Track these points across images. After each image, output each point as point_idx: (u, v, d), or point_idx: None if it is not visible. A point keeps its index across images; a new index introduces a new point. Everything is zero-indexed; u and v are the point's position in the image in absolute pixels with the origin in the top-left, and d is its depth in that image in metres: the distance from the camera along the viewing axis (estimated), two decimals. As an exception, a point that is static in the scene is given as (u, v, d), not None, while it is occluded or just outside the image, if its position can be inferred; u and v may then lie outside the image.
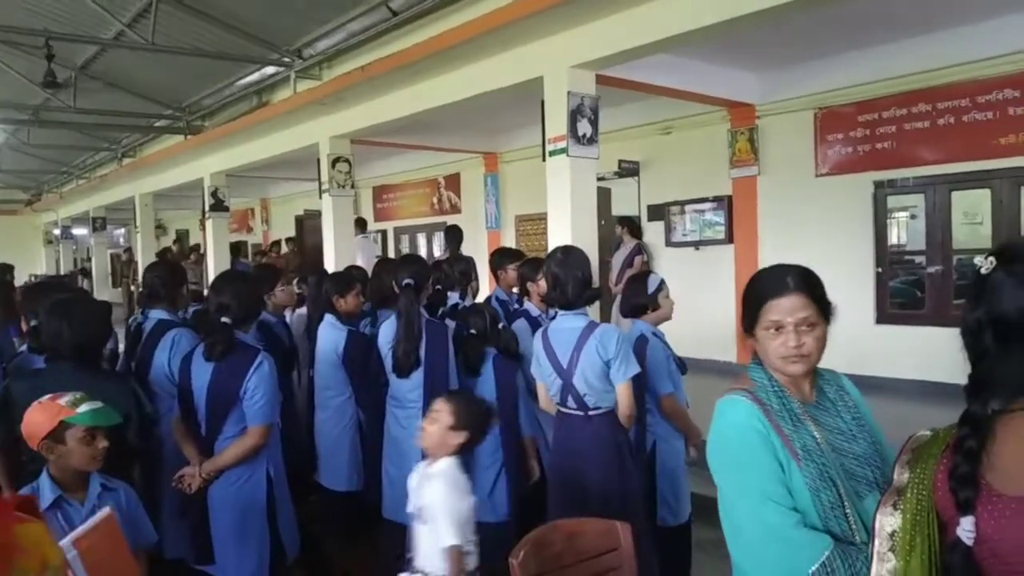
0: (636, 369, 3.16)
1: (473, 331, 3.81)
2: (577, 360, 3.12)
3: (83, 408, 2.22)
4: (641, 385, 3.37)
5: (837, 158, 7.50)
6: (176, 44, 8.68)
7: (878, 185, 7.29)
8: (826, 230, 7.51)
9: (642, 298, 3.66)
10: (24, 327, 3.69)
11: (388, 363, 3.75)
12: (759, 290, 1.82)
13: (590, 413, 3.16)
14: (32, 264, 22.95)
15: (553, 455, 3.40)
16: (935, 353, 6.21)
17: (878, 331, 7.17)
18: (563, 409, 3.25)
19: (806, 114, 7.67)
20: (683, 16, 5.09)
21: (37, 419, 2.22)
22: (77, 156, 17.25)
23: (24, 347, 3.59)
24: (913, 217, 8.39)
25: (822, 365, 1.84)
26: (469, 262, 4.87)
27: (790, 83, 7.65)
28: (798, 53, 7.15)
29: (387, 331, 3.81)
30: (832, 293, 1.84)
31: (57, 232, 20.94)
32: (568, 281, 3.19)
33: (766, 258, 7.98)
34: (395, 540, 3.77)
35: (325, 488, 4.18)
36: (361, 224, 10.84)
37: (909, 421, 1.76)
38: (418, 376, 3.67)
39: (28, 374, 3.00)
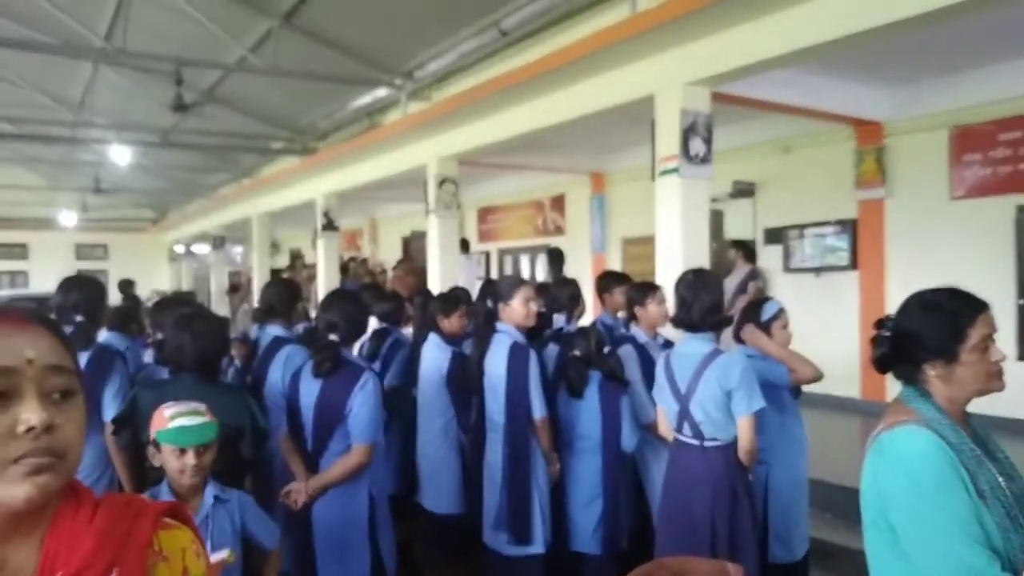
0: (760, 403, 2.98)
1: (577, 353, 3.69)
2: (696, 387, 3.02)
3: (175, 423, 2.25)
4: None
5: (975, 180, 6.94)
6: (294, 68, 9.03)
7: (1021, 209, 6.68)
8: (962, 257, 6.94)
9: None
10: (151, 340, 3.83)
11: (492, 389, 3.66)
12: (966, 305, 1.71)
13: (705, 444, 3.04)
14: (155, 280, 24.46)
15: (665, 484, 3.27)
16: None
17: (1020, 368, 6.54)
18: (679, 437, 3.14)
19: (939, 132, 7.14)
20: (805, 30, 4.83)
21: (151, 426, 2.29)
22: (200, 177, 18.30)
23: (151, 359, 3.72)
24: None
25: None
26: (575, 285, 4.72)
27: (921, 99, 7.16)
28: (930, 67, 6.68)
29: (492, 356, 3.72)
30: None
31: (180, 250, 22.24)
32: (695, 303, 3.10)
33: (894, 287, 7.46)
34: (495, 568, 3.67)
35: (426, 510, 4.12)
36: (464, 245, 10.92)
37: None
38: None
39: (154, 384, 3.09)
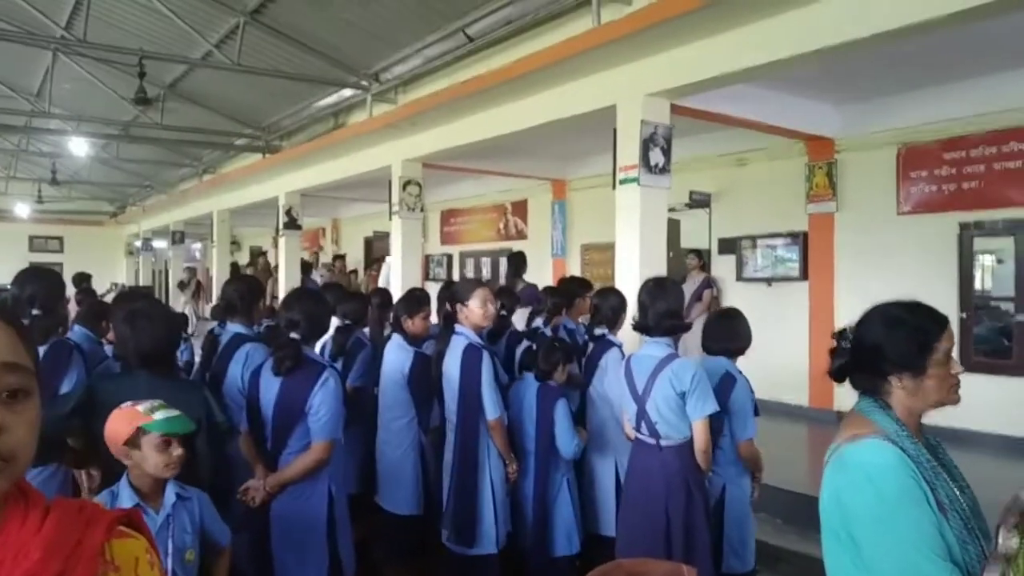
0: (713, 407, 3.16)
1: (555, 344, 3.97)
2: (651, 388, 3.17)
3: (159, 415, 2.25)
4: (716, 424, 3.30)
5: (921, 196, 7.22)
6: (260, 65, 9.00)
7: (964, 226, 6.97)
8: (907, 271, 7.21)
9: (741, 341, 3.62)
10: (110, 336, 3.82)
11: (451, 391, 3.74)
12: (932, 319, 1.76)
13: (661, 443, 3.19)
14: (112, 274, 23.95)
15: (625, 483, 3.45)
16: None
17: (964, 380, 6.81)
18: (638, 436, 3.30)
19: (888, 150, 7.42)
20: (762, 47, 5.01)
21: (117, 425, 2.27)
22: (161, 171, 18.03)
23: (111, 354, 3.71)
24: (1000, 261, 7.99)
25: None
26: (533, 289, 4.81)
27: (872, 117, 7.42)
28: (880, 86, 6.94)
29: (452, 357, 3.79)
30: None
31: (138, 244, 21.85)
32: (651, 309, 3.26)
33: (842, 297, 7.72)
34: (451, 568, 3.75)
35: (385, 510, 4.17)
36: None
37: (995, 478, 1.67)
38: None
39: (109, 377, 3.09)
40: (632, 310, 3.63)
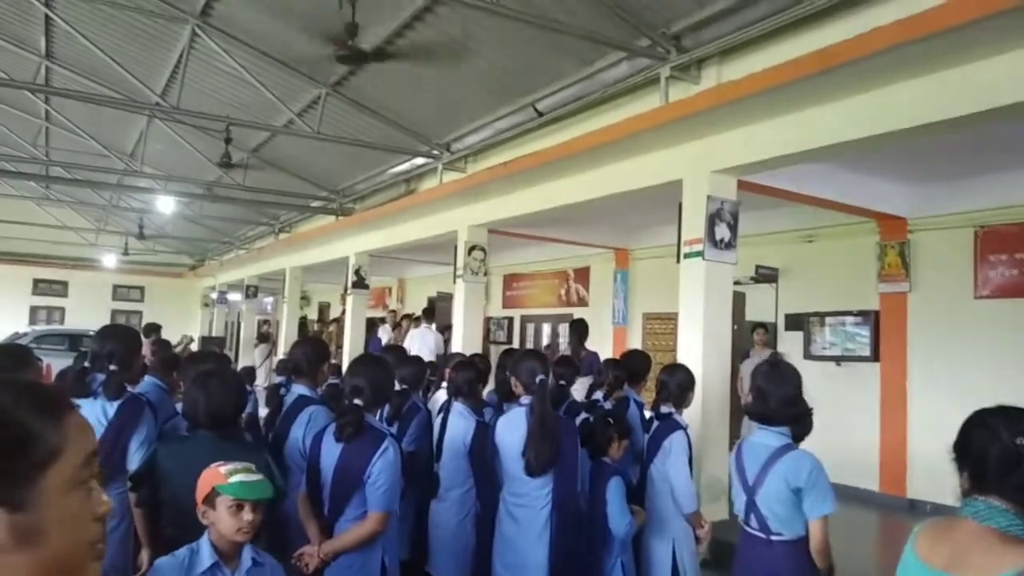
0: (831, 508, 2.89)
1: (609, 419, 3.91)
2: (763, 480, 2.94)
3: (235, 479, 2.29)
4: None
5: (1001, 280, 6.96)
6: (338, 134, 9.40)
7: (1047, 311, 6.68)
8: (986, 356, 6.91)
9: (803, 428, 3.29)
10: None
11: (510, 461, 3.70)
12: None
13: (772, 538, 2.94)
14: (188, 324, 24.89)
15: (736, 573, 3.20)
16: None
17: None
18: (746, 528, 3.07)
19: (964, 231, 7.21)
20: (831, 127, 5.00)
21: (201, 484, 2.33)
22: (239, 229, 18.82)
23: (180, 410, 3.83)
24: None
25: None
26: (595, 358, 4.75)
27: (946, 198, 7.25)
28: (957, 167, 6.79)
29: (509, 427, 3.78)
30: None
31: (214, 296, 22.68)
32: (772, 395, 3.00)
33: (916, 380, 7.42)
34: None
35: (435, 579, 4.13)
36: (428, 315, 11.19)
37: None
38: (548, 476, 3.59)
39: (173, 440, 3.18)
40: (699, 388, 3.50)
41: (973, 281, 7.12)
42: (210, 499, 2.30)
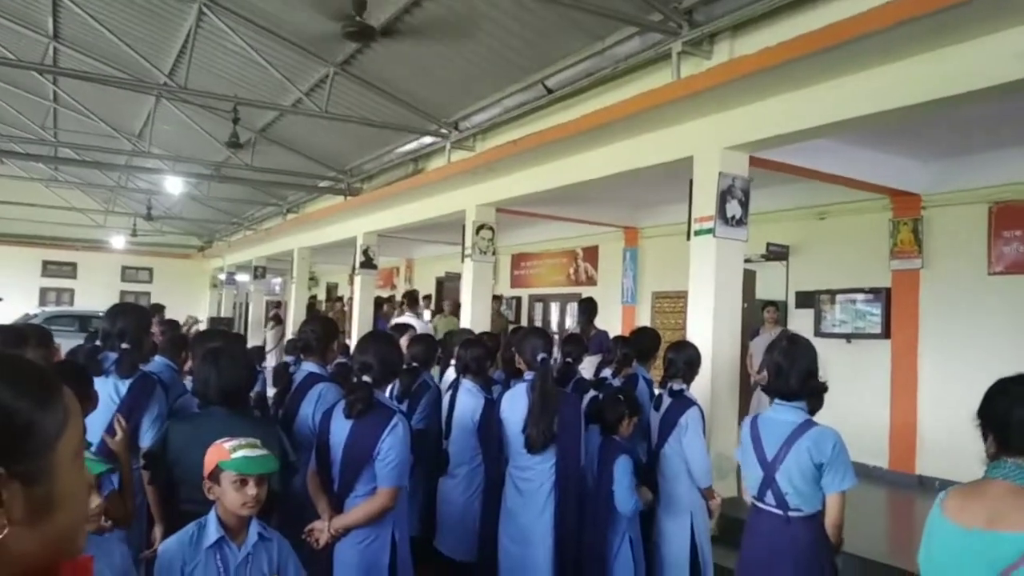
0: (853, 481, 2.90)
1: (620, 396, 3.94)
2: (785, 456, 2.92)
3: (238, 454, 2.31)
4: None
5: (1015, 256, 6.88)
6: (346, 113, 9.36)
7: (1061, 288, 6.62)
8: (999, 332, 6.86)
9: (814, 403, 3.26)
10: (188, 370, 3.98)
11: (513, 437, 3.72)
12: None
13: (790, 514, 2.92)
14: (196, 305, 25.02)
15: (744, 552, 3.16)
16: None
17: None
18: (760, 504, 3.03)
19: (979, 207, 7.12)
20: (843, 103, 4.94)
21: (206, 460, 2.35)
22: (247, 209, 18.83)
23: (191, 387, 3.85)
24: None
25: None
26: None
27: (961, 174, 7.16)
28: (970, 143, 6.70)
29: (513, 403, 3.79)
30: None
31: (222, 277, 22.77)
32: (792, 370, 2.98)
33: (926, 357, 7.38)
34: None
35: (443, 555, 4.15)
36: (412, 301, 10.45)
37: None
38: (550, 451, 3.61)
39: (185, 418, 3.20)
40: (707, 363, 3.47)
41: (987, 257, 7.04)
42: (215, 475, 2.31)
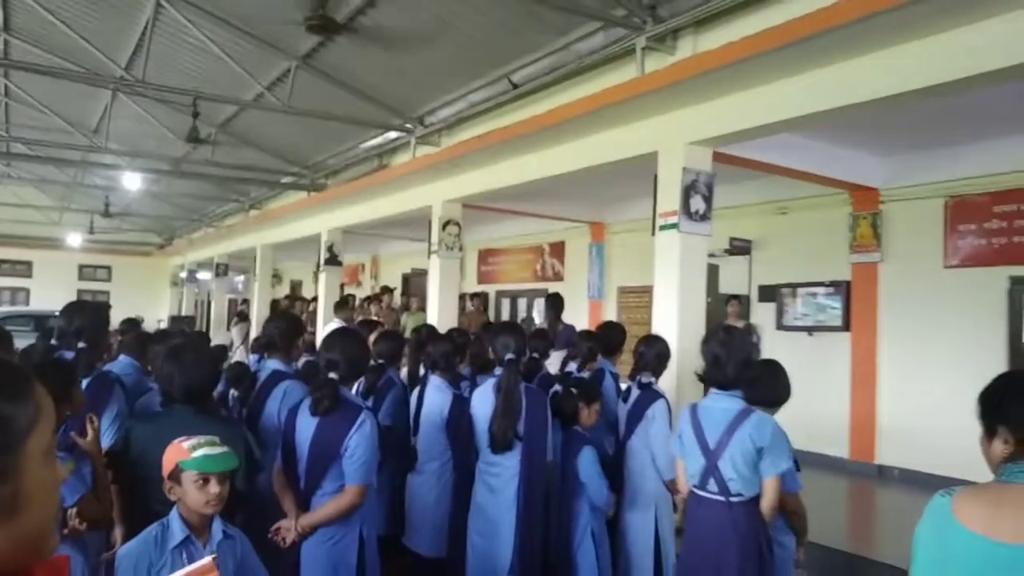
0: (788, 465, 3.02)
1: (573, 390, 3.96)
2: (728, 443, 2.99)
3: (198, 453, 2.27)
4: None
5: (969, 249, 7.07)
6: (309, 107, 9.24)
7: (1014, 281, 6.80)
8: (954, 324, 7.05)
9: (780, 393, 3.39)
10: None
11: (482, 434, 3.72)
12: None
13: (731, 500, 3.00)
14: (157, 303, 24.55)
15: (688, 540, 3.24)
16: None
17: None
18: (701, 493, 3.10)
19: (935, 202, 7.30)
20: (805, 98, 5.01)
21: (165, 460, 2.31)
22: (208, 206, 18.53)
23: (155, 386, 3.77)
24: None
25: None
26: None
27: (918, 169, 7.33)
28: (926, 139, 6.87)
29: (482, 399, 3.79)
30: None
31: (183, 275, 22.38)
32: (730, 360, 3.07)
33: (885, 349, 7.55)
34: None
35: (414, 552, 4.13)
36: (339, 307, 10.07)
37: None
38: (516, 448, 3.61)
39: (148, 418, 3.13)
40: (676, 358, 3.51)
41: (943, 251, 7.23)
42: (175, 475, 2.27)
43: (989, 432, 1.76)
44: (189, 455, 2.26)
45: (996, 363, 6.77)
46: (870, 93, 4.64)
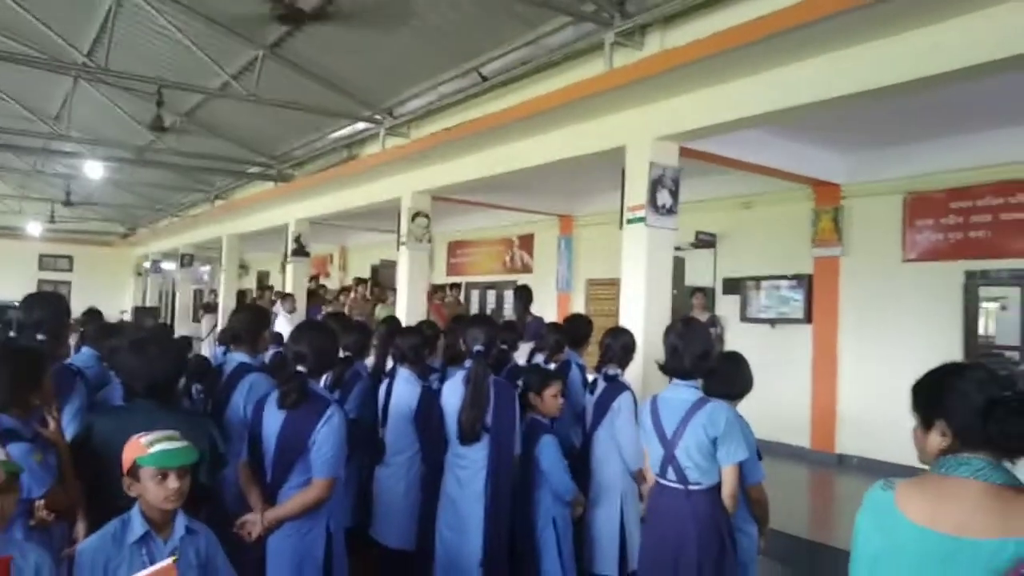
0: (744, 454, 3.09)
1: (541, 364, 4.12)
2: (683, 432, 3.08)
3: (156, 448, 2.24)
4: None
5: (926, 244, 7.25)
6: (276, 97, 9.14)
7: (969, 275, 7.00)
8: (911, 317, 7.24)
9: (743, 385, 3.44)
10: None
11: (452, 426, 3.74)
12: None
13: (690, 488, 3.09)
14: (120, 294, 24.08)
15: (648, 527, 3.32)
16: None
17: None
18: (662, 481, 3.19)
19: (894, 197, 7.47)
20: (770, 95, 5.09)
21: (124, 457, 2.28)
22: (173, 195, 18.21)
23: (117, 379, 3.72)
24: (1004, 309, 8.00)
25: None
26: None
27: (878, 165, 7.50)
28: (888, 135, 7.01)
29: (452, 392, 3.81)
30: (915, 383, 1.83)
31: (147, 265, 22.00)
32: (687, 351, 3.15)
33: (846, 341, 7.72)
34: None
35: (381, 544, 4.14)
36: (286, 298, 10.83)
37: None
38: (484, 440, 3.64)
39: (110, 411, 3.09)
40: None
41: (901, 245, 7.41)
42: (133, 471, 2.25)
43: (925, 424, 1.78)
44: (146, 451, 2.23)
45: (952, 354, 6.88)
46: (834, 90, 4.73)
